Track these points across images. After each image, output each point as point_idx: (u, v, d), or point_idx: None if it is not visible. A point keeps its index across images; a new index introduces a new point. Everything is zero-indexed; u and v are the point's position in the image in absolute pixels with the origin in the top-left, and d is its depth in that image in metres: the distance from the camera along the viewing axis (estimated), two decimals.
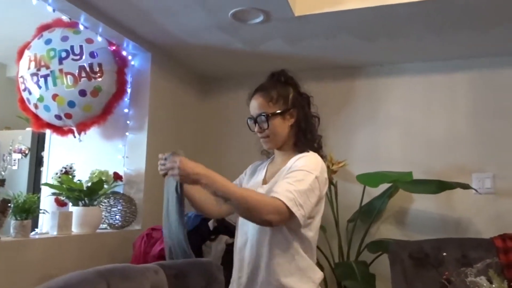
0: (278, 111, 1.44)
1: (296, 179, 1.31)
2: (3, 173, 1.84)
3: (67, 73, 2.27)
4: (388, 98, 2.91)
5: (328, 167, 2.63)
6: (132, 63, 2.61)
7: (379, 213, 2.70)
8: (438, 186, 2.36)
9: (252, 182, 1.53)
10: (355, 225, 2.61)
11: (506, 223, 2.53)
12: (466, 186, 2.37)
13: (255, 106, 1.47)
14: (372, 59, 2.84)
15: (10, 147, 2.70)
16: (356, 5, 2.10)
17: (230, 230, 2.19)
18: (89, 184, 2.20)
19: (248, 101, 1.51)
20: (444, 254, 2.08)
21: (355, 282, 2.14)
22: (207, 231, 2.14)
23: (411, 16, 2.17)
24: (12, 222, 1.80)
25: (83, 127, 2.41)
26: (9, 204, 1.72)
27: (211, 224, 2.16)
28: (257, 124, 1.47)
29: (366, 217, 2.65)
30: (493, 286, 1.45)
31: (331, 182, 2.66)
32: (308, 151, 1.44)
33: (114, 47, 2.44)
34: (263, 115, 1.44)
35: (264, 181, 1.48)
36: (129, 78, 2.56)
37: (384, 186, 2.61)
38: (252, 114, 1.49)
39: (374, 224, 2.75)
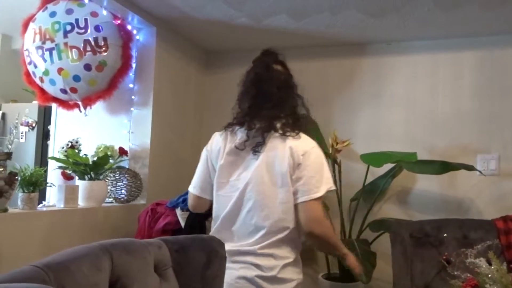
0: None
1: None
2: (10, 146, 1.86)
3: (72, 47, 2.25)
4: (394, 76, 2.88)
5: (332, 146, 2.64)
6: (137, 37, 2.58)
7: (382, 192, 2.71)
8: (443, 167, 2.35)
9: None
10: (358, 204, 2.63)
11: (508, 204, 2.53)
12: (470, 168, 2.36)
13: None
14: (378, 36, 2.78)
15: (16, 120, 2.72)
16: None
17: None
18: (95, 158, 2.22)
19: None
20: (445, 234, 2.09)
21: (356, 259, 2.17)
22: (210, 206, 2.17)
23: None
24: (19, 195, 1.83)
25: (88, 101, 2.41)
26: (16, 177, 1.75)
27: None
28: None
29: (369, 196, 2.66)
30: (492, 267, 1.46)
31: (335, 161, 2.66)
32: None
33: (119, 21, 2.41)
34: None
35: None
36: (134, 53, 2.55)
37: (388, 166, 2.61)
38: None
39: (377, 203, 2.76)
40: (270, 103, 1.54)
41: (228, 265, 1.40)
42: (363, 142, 2.81)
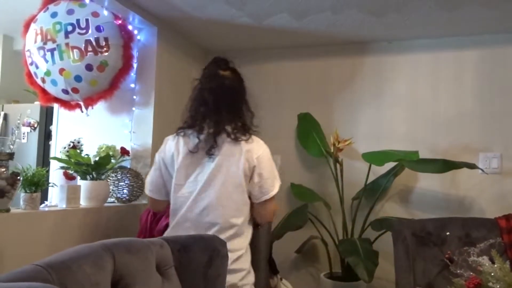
0: None
1: None
2: (12, 146, 1.86)
3: (73, 47, 2.26)
4: (395, 75, 2.87)
5: (333, 144, 2.64)
6: (138, 37, 2.59)
7: (384, 191, 2.71)
8: (445, 166, 2.35)
9: None
10: (360, 202, 2.63)
11: (511, 203, 2.53)
12: (472, 166, 2.36)
13: None
14: (379, 35, 2.78)
15: (18, 121, 2.73)
16: None
17: None
18: (97, 158, 2.22)
19: None
20: (447, 233, 2.09)
21: (358, 258, 2.17)
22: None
23: None
24: (22, 195, 1.83)
25: (90, 101, 2.41)
26: (19, 177, 1.75)
27: None
28: None
29: (371, 195, 2.66)
30: (495, 266, 1.46)
31: (336, 160, 2.66)
32: None
33: (120, 21, 2.41)
34: None
35: None
36: (135, 53, 2.55)
37: (390, 165, 2.61)
38: None
39: (379, 202, 2.76)
40: (216, 110, 1.65)
41: None
42: (364, 141, 2.80)
